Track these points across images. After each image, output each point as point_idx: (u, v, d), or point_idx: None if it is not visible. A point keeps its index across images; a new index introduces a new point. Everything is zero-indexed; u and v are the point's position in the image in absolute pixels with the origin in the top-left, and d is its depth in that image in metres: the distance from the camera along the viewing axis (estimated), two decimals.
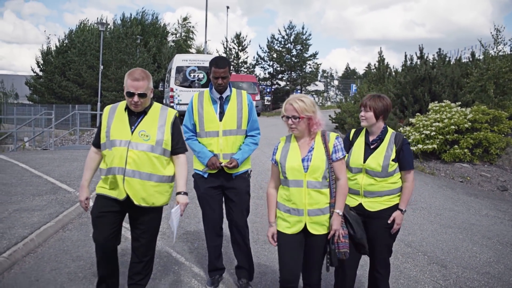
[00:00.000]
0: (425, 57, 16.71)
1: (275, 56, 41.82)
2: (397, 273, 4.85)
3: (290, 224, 3.21)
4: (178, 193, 3.54)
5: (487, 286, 4.68)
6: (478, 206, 8.30)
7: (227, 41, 42.73)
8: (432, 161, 12.08)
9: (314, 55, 42.44)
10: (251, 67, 42.97)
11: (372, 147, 3.57)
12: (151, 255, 3.74)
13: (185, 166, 3.60)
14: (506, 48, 14.68)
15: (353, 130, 3.81)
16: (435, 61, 16.56)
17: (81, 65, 33.90)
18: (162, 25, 43.26)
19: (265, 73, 43.21)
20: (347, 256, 3.21)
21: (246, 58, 42.95)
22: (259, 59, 42.85)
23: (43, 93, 37.20)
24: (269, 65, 42.71)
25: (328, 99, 56.32)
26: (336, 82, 66.47)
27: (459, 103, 12.77)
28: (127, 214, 3.60)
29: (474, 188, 10.05)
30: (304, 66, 42.45)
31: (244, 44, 42.44)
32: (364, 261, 4.01)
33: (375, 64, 21.48)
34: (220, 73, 3.90)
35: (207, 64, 20.76)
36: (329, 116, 18.16)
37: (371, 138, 3.60)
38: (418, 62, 16.37)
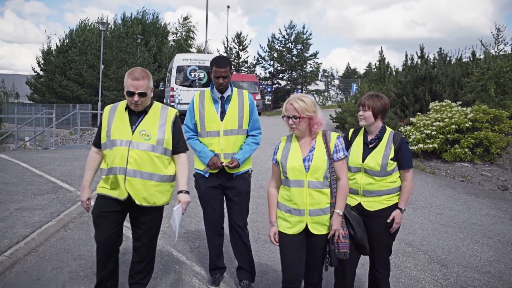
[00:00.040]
0: (426, 56, 16.71)
1: (276, 56, 41.82)
2: (398, 272, 4.86)
3: (291, 224, 3.20)
4: (180, 191, 3.53)
5: (488, 285, 4.68)
6: (478, 205, 8.31)
7: (227, 40, 42.78)
8: (432, 160, 12.09)
9: (314, 55, 42.45)
10: (251, 66, 43.00)
11: (370, 146, 3.57)
12: (152, 255, 3.74)
13: (186, 165, 3.59)
14: (507, 48, 14.70)
15: (351, 130, 3.81)
16: (435, 61, 16.56)
17: (82, 64, 33.93)
18: (162, 25, 43.31)
19: (265, 73, 43.25)
20: (347, 256, 3.21)
21: (247, 57, 42.99)
22: (259, 59, 42.89)
23: (43, 93, 37.24)
24: (269, 64, 42.74)
25: (328, 99, 56.38)
26: (336, 82, 66.52)
27: (460, 102, 12.77)
28: (128, 214, 3.60)
29: (475, 188, 10.05)
30: (304, 66, 42.45)
31: (245, 44, 42.46)
32: (365, 260, 4.02)
33: (375, 64, 21.47)
34: (221, 73, 3.89)
35: (207, 64, 20.80)
36: (330, 115, 18.15)
37: (369, 138, 3.61)
38: (419, 62, 16.37)
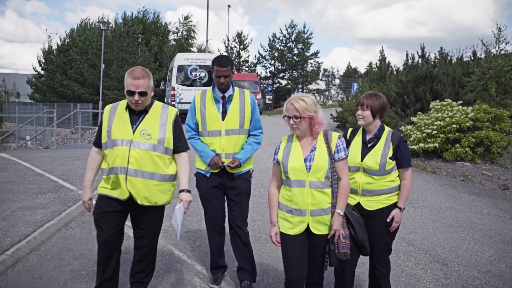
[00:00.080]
0: (427, 56, 16.73)
1: (277, 55, 41.78)
2: (399, 271, 4.87)
3: (292, 224, 3.19)
4: (181, 190, 3.52)
5: (489, 285, 4.69)
6: (479, 204, 8.31)
7: (228, 40, 42.73)
8: (433, 159, 12.09)
9: (315, 54, 42.40)
10: (252, 66, 42.96)
11: (369, 145, 3.58)
12: (154, 254, 3.74)
13: (188, 164, 3.59)
14: (508, 47, 14.69)
15: (350, 129, 3.82)
16: (436, 60, 16.57)
17: (83, 64, 33.96)
18: (163, 24, 43.33)
19: (266, 72, 43.20)
20: (347, 257, 3.19)
21: (248, 57, 42.90)
22: (260, 58, 42.82)
23: (44, 92, 37.28)
24: (270, 64, 42.70)
25: (329, 98, 56.33)
26: (337, 81, 66.44)
27: (461, 101, 12.76)
28: (129, 214, 3.60)
29: (476, 187, 10.05)
30: (305, 65, 42.39)
31: (246, 43, 42.42)
32: (365, 259, 4.01)
33: (376, 63, 21.46)
34: (223, 72, 3.89)
35: (208, 63, 20.81)
36: (331, 115, 18.16)
37: (368, 137, 3.61)
38: (420, 61, 16.38)
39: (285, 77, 43.23)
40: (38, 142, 21.62)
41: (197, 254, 5.12)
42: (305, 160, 3.15)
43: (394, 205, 3.55)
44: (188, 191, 3.53)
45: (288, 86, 42.69)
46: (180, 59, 21.17)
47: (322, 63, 47.93)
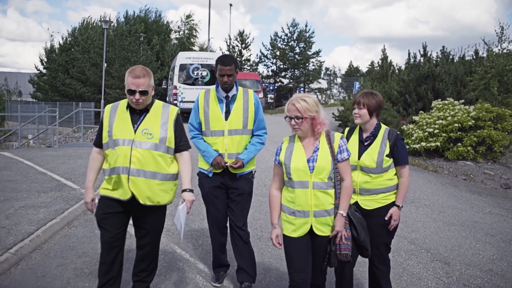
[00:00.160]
0: (429, 55, 16.72)
1: (278, 54, 41.73)
2: (400, 270, 4.88)
3: (295, 226, 3.17)
4: (184, 190, 3.52)
5: (490, 283, 4.70)
6: (481, 204, 8.31)
7: (230, 38, 42.67)
8: (435, 158, 12.09)
9: (317, 53, 42.34)
10: (254, 64, 42.91)
11: (366, 144, 3.59)
12: (156, 253, 3.74)
13: (189, 163, 3.58)
14: (511, 46, 14.66)
15: (347, 129, 3.84)
16: (438, 59, 16.56)
17: (85, 62, 33.96)
18: (165, 23, 43.31)
19: (268, 71, 43.16)
20: (348, 258, 3.18)
21: (249, 56, 42.85)
22: (262, 57, 42.79)
23: (46, 91, 37.29)
24: (272, 62, 42.63)
25: (331, 97, 56.28)
26: (339, 80, 66.33)
27: (463, 101, 12.76)
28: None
29: (478, 186, 10.05)
30: (307, 64, 42.33)
31: (247, 42, 42.37)
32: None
33: (378, 62, 21.46)
34: (226, 71, 3.88)
35: (210, 62, 20.83)
36: (333, 114, 18.15)
37: (364, 135, 3.62)
38: (422, 60, 16.38)
39: (287, 76, 43.18)
40: (40, 141, 21.67)
41: (200, 253, 5.14)
42: (308, 161, 3.13)
43: (392, 205, 3.56)
44: (191, 190, 3.52)
45: (290, 85, 42.66)
46: (182, 58, 21.20)
47: (324, 62, 47.92)
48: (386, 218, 3.53)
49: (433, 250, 5.57)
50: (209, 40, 37.45)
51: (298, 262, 3.18)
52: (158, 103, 3.56)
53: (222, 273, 4.36)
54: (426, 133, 11.92)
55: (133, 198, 3.38)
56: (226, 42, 43.10)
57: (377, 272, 3.69)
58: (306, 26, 47.24)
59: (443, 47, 17.71)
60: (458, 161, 11.62)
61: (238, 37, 42.38)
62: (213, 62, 20.76)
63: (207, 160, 3.98)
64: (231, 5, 47.43)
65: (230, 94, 4.00)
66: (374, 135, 3.58)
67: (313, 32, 42.63)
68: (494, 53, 14.42)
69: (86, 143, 16.77)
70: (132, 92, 3.32)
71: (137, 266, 3.71)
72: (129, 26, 36.68)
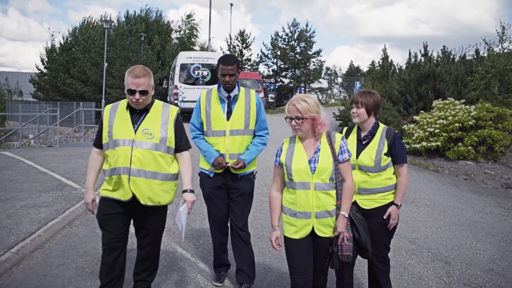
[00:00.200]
0: (429, 54, 16.72)
1: (279, 54, 41.70)
2: (401, 270, 4.88)
3: (297, 228, 3.15)
4: (185, 191, 3.51)
5: (491, 283, 4.70)
6: (482, 203, 8.31)
7: (231, 38, 42.65)
8: (436, 158, 12.09)
9: (318, 53, 42.30)
10: (255, 64, 42.89)
11: (364, 143, 3.59)
12: (157, 253, 3.74)
13: (190, 164, 3.57)
14: None
15: (345, 128, 3.84)
16: (439, 59, 16.57)
17: (85, 62, 33.96)
18: (166, 23, 43.31)
19: (269, 71, 43.11)
20: (350, 259, 3.18)
21: (250, 55, 42.81)
22: (263, 57, 42.76)
23: (47, 90, 37.29)
24: (273, 62, 42.59)
25: (332, 97, 56.26)
26: (340, 80, 66.34)
27: (463, 100, 12.77)
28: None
29: (478, 186, 10.05)
30: (308, 64, 42.29)
31: (248, 42, 42.34)
32: None
33: (379, 62, 21.48)
34: (228, 70, 3.87)
35: (211, 62, 20.84)
36: (333, 113, 18.14)
37: (362, 134, 3.63)
38: (422, 60, 16.39)
39: (288, 75, 43.15)
40: (41, 141, 21.70)
41: (201, 252, 5.14)
42: (309, 161, 3.11)
43: (391, 204, 3.56)
44: (191, 191, 3.52)
45: (291, 84, 42.64)
46: (183, 57, 21.22)
47: (324, 61, 47.92)
48: (384, 217, 3.53)
49: (433, 250, 5.57)
50: (209, 39, 37.38)
51: (299, 264, 3.16)
52: (158, 103, 3.55)
53: (223, 272, 4.37)
54: (426, 133, 11.92)
55: (134, 198, 3.37)
56: (227, 41, 43.04)
57: (376, 271, 3.69)
58: (306, 25, 47.33)
59: (444, 46, 17.76)
60: (458, 161, 11.63)
61: (238, 36, 42.35)
62: (213, 61, 20.78)
63: (208, 160, 3.98)
64: (231, 4, 47.46)
65: (232, 94, 3.99)
66: (372, 134, 3.59)
67: (313, 32, 42.56)
68: (495, 53, 14.41)
69: (87, 143, 16.78)
70: (132, 92, 3.30)
71: (138, 266, 3.71)
72: (130, 25, 36.69)
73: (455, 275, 4.85)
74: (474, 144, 11.50)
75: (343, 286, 3.66)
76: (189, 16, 47.98)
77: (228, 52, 40.36)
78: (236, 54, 41.48)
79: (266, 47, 42.75)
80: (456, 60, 18.04)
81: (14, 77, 51.44)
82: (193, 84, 20.58)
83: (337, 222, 3.13)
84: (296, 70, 42.42)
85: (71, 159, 10.35)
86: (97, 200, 3.59)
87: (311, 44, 41.82)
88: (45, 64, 38.31)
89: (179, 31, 47.20)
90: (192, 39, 47.61)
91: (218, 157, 3.92)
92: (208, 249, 5.11)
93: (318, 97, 45.61)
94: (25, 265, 4.60)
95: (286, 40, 41.88)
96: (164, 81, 29.67)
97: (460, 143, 11.65)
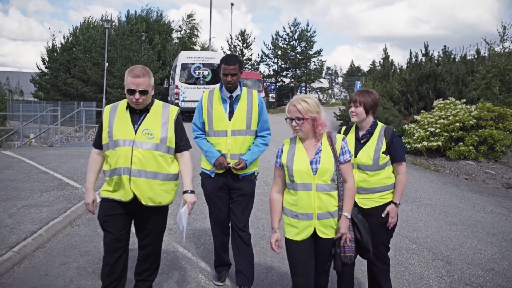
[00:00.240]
0: (430, 54, 16.71)
1: (280, 53, 41.70)
2: (402, 269, 4.88)
3: (299, 229, 3.12)
4: (185, 191, 3.51)
5: (492, 282, 4.70)
6: (483, 203, 8.31)
7: (231, 38, 42.69)
8: (437, 158, 12.09)
9: (318, 52, 42.30)
10: (255, 64, 42.90)
11: (362, 141, 3.60)
12: (158, 253, 3.73)
13: (190, 164, 3.56)
14: None
15: (343, 127, 3.84)
16: (440, 58, 16.56)
17: (86, 62, 33.96)
18: (166, 22, 43.32)
19: (269, 70, 43.13)
20: (352, 260, 3.17)
21: (251, 55, 42.86)
22: (263, 56, 42.78)
23: (48, 90, 37.29)
24: (273, 62, 42.61)
25: (332, 96, 56.28)
26: (340, 79, 66.39)
27: (464, 100, 12.77)
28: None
29: (479, 186, 10.05)
30: (308, 63, 42.30)
31: (249, 41, 42.36)
32: None
33: (380, 61, 21.47)
34: (230, 70, 3.87)
35: (212, 61, 20.86)
36: (334, 113, 18.15)
37: (361, 133, 3.63)
38: (423, 59, 16.38)
39: (288, 75, 43.16)
40: (42, 140, 21.71)
41: (202, 252, 5.15)
42: (311, 162, 3.10)
43: (390, 204, 3.56)
44: (192, 191, 3.52)
45: (291, 84, 42.66)
46: (184, 57, 21.26)
47: (325, 61, 47.91)
48: (383, 215, 3.53)
49: (434, 249, 5.58)
50: (210, 39, 37.39)
51: (301, 266, 3.14)
52: (158, 103, 3.54)
53: (224, 272, 4.37)
54: (427, 133, 11.92)
55: (135, 199, 3.37)
56: (228, 41, 43.08)
57: (376, 270, 3.68)
58: (307, 25, 47.28)
59: (445, 46, 17.74)
60: (459, 161, 11.62)
61: (239, 36, 42.37)
62: (214, 61, 20.80)
63: (209, 160, 3.97)
64: (232, 4, 47.56)
65: (234, 94, 3.99)
66: (370, 133, 3.59)
67: (314, 32, 42.62)
68: (496, 53, 14.40)
69: (88, 142, 16.80)
70: (132, 92, 3.30)
71: (139, 265, 3.70)
72: (131, 25, 36.69)
73: (456, 274, 4.86)
74: (475, 143, 11.50)
75: (343, 285, 3.66)
76: (189, 16, 48.04)
77: (228, 52, 40.37)
78: (237, 54, 41.48)
79: (267, 47, 42.80)
80: (457, 60, 18.04)
81: (15, 77, 51.43)
82: (194, 83, 20.60)
83: (340, 223, 3.12)
84: (297, 69, 42.42)
85: (72, 159, 10.36)
86: (98, 200, 3.58)
87: (311, 43, 41.82)
88: (46, 63, 38.32)
89: (180, 31, 47.26)
90: (193, 39, 47.64)
91: (219, 157, 3.92)
92: (209, 248, 5.12)
93: (318, 96, 45.73)
94: (26, 264, 4.61)
95: (287, 39, 41.88)
96: (165, 81, 29.68)
97: (461, 143, 11.65)
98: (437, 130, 11.75)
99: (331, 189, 3.11)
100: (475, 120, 11.57)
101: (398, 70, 18.83)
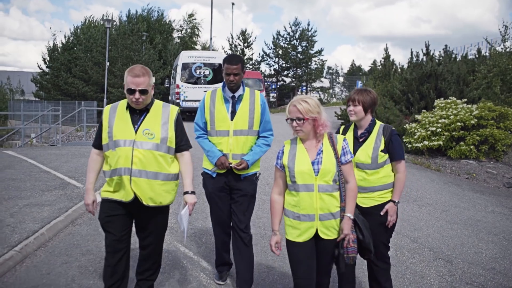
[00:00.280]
0: (431, 53, 16.70)
1: (281, 53, 41.69)
2: (403, 268, 4.89)
3: (301, 231, 3.11)
4: (186, 192, 3.51)
5: (493, 282, 4.71)
6: (484, 202, 8.31)
7: (232, 37, 42.70)
8: (438, 157, 12.08)
9: (319, 52, 42.29)
10: (256, 63, 42.91)
11: (360, 140, 3.60)
12: (160, 252, 3.73)
13: (191, 164, 3.56)
14: None
15: (342, 127, 3.84)
16: (441, 58, 16.55)
17: (87, 61, 33.98)
18: (167, 22, 43.35)
19: (270, 70, 43.13)
20: (355, 261, 3.17)
21: (252, 54, 42.79)
22: (264, 56, 42.77)
23: (49, 90, 37.31)
24: (274, 61, 42.60)
25: (333, 96, 56.25)
26: (341, 79, 66.36)
27: (465, 99, 12.75)
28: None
29: (480, 185, 10.04)
30: (309, 63, 42.29)
31: (250, 41, 42.35)
32: None
33: (380, 61, 21.46)
34: (232, 70, 3.87)
35: (213, 61, 20.88)
36: (335, 112, 18.16)
37: (359, 132, 3.63)
38: (424, 59, 16.36)
39: (289, 75, 43.15)
40: (43, 140, 21.74)
41: (203, 251, 5.16)
42: (313, 163, 3.08)
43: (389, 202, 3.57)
44: (193, 192, 3.52)
45: (292, 84, 42.65)
46: (185, 57, 21.30)
47: (326, 61, 47.95)
48: (381, 213, 3.52)
49: (435, 249, 5.58)
50: (211, 39, 37.49)
51: (303, 268, 3.14)
52: (158, 102, 3.54)
53: (225, 271, 4.38)
54: (428, 132, 11.91)
55: (136, 199, 3.36)
56: (229, 41, 43.07)
57: (376, 269, 3.68)
58: (308, 25, 47.15)
59: (446, 46, 17.73)
60: (460, 160, 11.62)
61: (240, 36, 42.37)
62: (215, 61, 20.83)
63: (211, 160, 3.97)
64: (233, 4, 47.64)
65: (237, 94, 3.99)
66: (369, 131, 3.60)
67: (315, 31, 42.57)
68: (497, 52, 14.38)
69: (89, 142, 16.80)
70: (131, 91, 3.28)
71: (140, 265, 3.70)
72: (132, 25, 36.71)
73: (457, 273, 4.86)
74: (476, 143, 11.49)
75: (344, 284, 3.66)
76: (190, 15, 48.05)
77: (229, 52, 40.39)
78: (238, 53, 41.47)
79: (268, 46, 42.81)
80: (458, 59, 18.02)
81: (16, 76, 51.40)
82: (195, 83, 20.62)
83: (343, 224, 3.11)
84: (298, 69, 42.41)
85: (73, 158, 10.38)
86: (98, 200, 3.58)
87: (312, 43, 41.81)
88: (47, 63, 38.34)
89: (181, 30, 47.28)
90: (194, 38, 47.65)
91: (221, 157, 3.91)
92: (211, 247, 5.13)
93: (319, 96, 45.76)
94: (28, 263, 4.62)
95: (288, 39, 41.88)
96: (166, 80, 29.70)
97: (462, 142, 11.64)
98: (438, 130, 11.74)
99: (333, 189, 3.10)
100: (476, 120, 11.56)
101: (399, 70, 18.82)
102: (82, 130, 20.58)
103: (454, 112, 11.87)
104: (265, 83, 36.09)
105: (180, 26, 47.22)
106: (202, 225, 6.01)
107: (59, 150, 12.26)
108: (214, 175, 4.03)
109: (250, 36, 42.52)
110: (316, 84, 45.11)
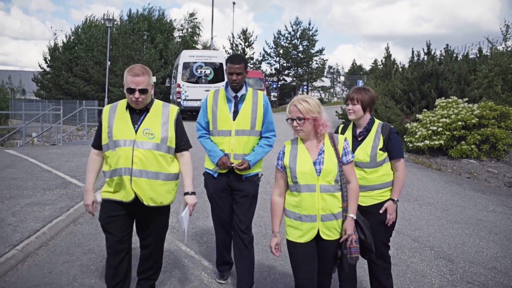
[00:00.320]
0: (432, 53, 16.69)
1: (282, 52, 41.71)
2: (404, 268, 4.89)
3: (302, 232, 3.09)
4: (186, 193, 3.50)
5: (494, 281, 4.71)
6: (485, 202, 8.31)
7: (233, 37, 42.68)
8: (439, 157, 12.08)
9: (320, 51, 42.31)
10: (257, 63, 42.90)
11: (359, 139, 3.60)
12: (161, 252, 3.73)
13: (191, 164, 3.55)
14: None
15: (341, 126, 3.83)
16: (442, 57, 16.53)
17: (88, 61, 34.03)
18: (168, 21, 43.37)
19: (271, 69, 43.16)
20: (357, 261, 3.17)
21: (253, 54, 42.82)
22: (265, 55, 42.78)
23: (50, 89, 37.38)
24: (275, 61, 42.62)
25: (334, 95, 56.26)
26: (342, 78, 66.38)
27: (466, 99, 12.74)
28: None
29: (481, 184, 10.04)
30: (310, 62, 42.30)
31: (251, 40, 42.35)
32: None
33: (382, 60, 21.42)
34: (235, 69, 3.87)
35: (214, 60, 20.88)
36: (336, 112, 18.15)
37: (358, 131, 3.63)
38: (425, 58, 16.36)
39: (290, 74, 43.17)
40: (44, 139, 21.78)
41: (204, 250, 5.16)
42: (314, 163, 3.07)
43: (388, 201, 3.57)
44: (193, 193, 3.51)
45: (293, 83, 42.66)
46: (186, 56, 21.31)
47: (327, 60, 47.89)
48: (380, 212, 3.52)
49: (437, 248, 5.58)
50: (212, 38, 37.49)
51: (304, 268, 3.12)
52: (158, 102, 3.52)
53: (226, 270, 4.38)
54: (429, 131, 11.91)
55: (136, 199, 3.35)
56: (229, 40, 43.09)
57: (376, 268, 3.68)
58: (309, 24, 47.29)
59: (447, 45, 17.72)
60: (461, 159, 11.61)
61: (241, 35, 42.37)
62: (216, 60, 20.84)
63: (212, 159, 3.96)
64: (234, 3, 47.54)
65: (239, 94, 3.98)
66: (367, 130, 3.59)
67: (316, 30, 42.62)
68: (498, 52, 14.38)
69: (90, 141, 16.81)
70: (131, 91, 3.27)
71: (142, 265, 3.70)
72: (133, 24, 36.75)
73: (458, 273, 4.86)
74: (477, 142, 11.48)
75: (346, 283, 3.66)
76: (191, 15, 48.08)
77: (230, 51, 40.39)
78: (239, 53, 41.47)
79: (269, 46, 42.83)
80: (459, 59, 18.00)
81: (17, 76, 51.43)
82: (196, 82, 20.64)
83: (346, 224, 3.10)
84: (299, 68, 42.42)
85: (75, 157, 10.39)
86: (98, 200, 3.57)
87: (313, 42, 41.83)
88: (48, 62, 38.41)
89: (182, 30, 47.31)
90: (195, 38, 47.69)
91: (222, 157, 3.90)
92: (212, 246, 5.13)
93: (320, 95, 45.75)
94: (30, 262, 4.63)
95: (289, 38, 41.89)
96: (167, 80, 29.69)
97: (463, 142, 11.64)
98: (439, 129, 11.74)
99: (335, 190, 3.09)
100: (477, 119, 11.55)
101: (400, 69, 18.80)
102: (83, 130, 20.62)
103: (455, 111, 11.87)
104: (266, 83, 36.09)
105: (181, 26, 47.30)
106: (203, 224, 6.02)
107: (60, 150, 12.28)
108: (215, 175, 4.02)
109: (251, 36, 42.54)
110: (317, 83, 45.13)
